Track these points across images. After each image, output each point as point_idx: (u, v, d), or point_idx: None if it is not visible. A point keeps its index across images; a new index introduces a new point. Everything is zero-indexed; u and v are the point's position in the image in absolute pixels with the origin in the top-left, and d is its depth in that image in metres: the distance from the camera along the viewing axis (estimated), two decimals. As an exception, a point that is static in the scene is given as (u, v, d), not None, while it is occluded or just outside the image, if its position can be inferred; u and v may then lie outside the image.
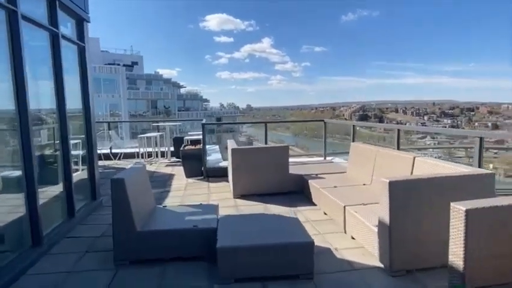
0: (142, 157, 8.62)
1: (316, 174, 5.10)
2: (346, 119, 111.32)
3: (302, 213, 4.37)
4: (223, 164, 6.82)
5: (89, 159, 4.97)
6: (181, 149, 6.67)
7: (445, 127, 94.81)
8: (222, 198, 5.16)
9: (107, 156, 8.67)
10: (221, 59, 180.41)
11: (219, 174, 6.52)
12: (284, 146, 5.16)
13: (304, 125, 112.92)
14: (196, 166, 6.61)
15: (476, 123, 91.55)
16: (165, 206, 3.79)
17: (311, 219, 4.13)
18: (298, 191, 5.21)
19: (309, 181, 4.79)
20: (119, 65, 35.91)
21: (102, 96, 32.76)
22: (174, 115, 41.38)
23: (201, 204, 3.84)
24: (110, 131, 9.00)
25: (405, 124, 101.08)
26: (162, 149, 9.08)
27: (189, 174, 6.62)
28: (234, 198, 5.14)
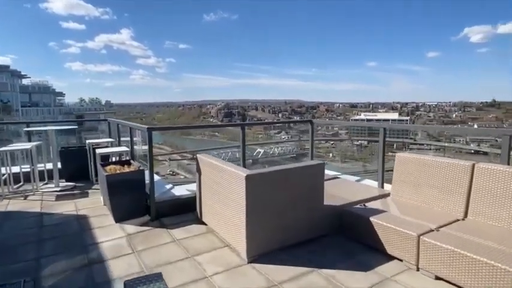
0: (5, 184, 4.93)
1: (364, 205, 3.30)
2: (213, 116, 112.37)
3: (399, 283, 2.50)
4: (180, 191, 4.19)
5: None
6: (107, 174, 3.72)
7: (296, 123, 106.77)
8: (229, 268, 2.75)
9: None
10: (71, 47, 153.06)
11: (176, 210, 3.93)
12: (318, 163, 3.12)
13: (172, 121, 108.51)
14: (134, 200, 3.82)
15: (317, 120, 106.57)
16: None
17: (434, 297, 2.31)
18: (334, 233, 3.30)
19: (372, 219, 2.93)
20: None
21: None
22: (16, 112, 31.97)
23: None
24: None
25: (264, 120, 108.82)
26: (41, 167, 5.52)
27: (121, 216, 3.75)
28: (249, 262, 2.82)
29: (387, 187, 4.04)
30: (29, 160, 5.36)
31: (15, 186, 5.19)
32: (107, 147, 5.66)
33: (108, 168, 3.98)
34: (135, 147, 4.54)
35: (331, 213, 3.27)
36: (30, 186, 5.10)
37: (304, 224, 3.09)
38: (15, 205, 4.41)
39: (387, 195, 3.62)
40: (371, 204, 3.31)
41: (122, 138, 5.70)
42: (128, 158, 4.52)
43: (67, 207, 4.29)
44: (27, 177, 5.35)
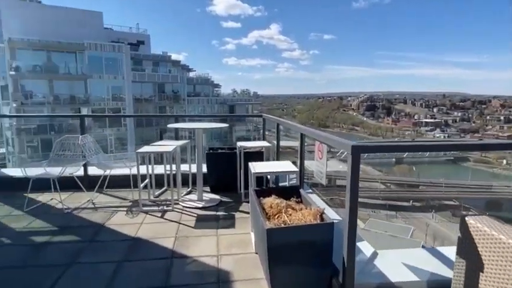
0: (147, 188, 4.05)
1: None
2: (353, 109, 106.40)
3: None
4: (385, 264, 2.19)
5: None
6: (268, 228, 2.06)
7: (456, 120, 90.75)
8: None
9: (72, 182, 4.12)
10: (228, 44, 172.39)
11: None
12: None
13: (311, 113, 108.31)
14: (310, 276, 2.05)
15: (488, 117, 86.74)
16: None
17: None
18: None
19: None
20: (123, 43, 30.84)
21: (104, 78, 27.96)
22: (183, 101, 36.64)
23: None
24: (86, 136, 4.34)
25: (413, 116, 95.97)
26: (185, 170, 4.52)
27: (287, 300, 2.06)
28: None
29: None
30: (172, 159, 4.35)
31: (157, 193, 4.29)
32: (260, 151, 4.19)
33: (267, 203, 2.33)
34: (311, 168, 2.76)
35: None
36: (170, 194, 4.06)
37: None
38: (147, 227, 3.34)
39: None
40: None
41: (280, 143, 4.11)
42: (295, 183, 2.82)
43: (206, 245, 2.90)
44: (169, 181, 4.40)
